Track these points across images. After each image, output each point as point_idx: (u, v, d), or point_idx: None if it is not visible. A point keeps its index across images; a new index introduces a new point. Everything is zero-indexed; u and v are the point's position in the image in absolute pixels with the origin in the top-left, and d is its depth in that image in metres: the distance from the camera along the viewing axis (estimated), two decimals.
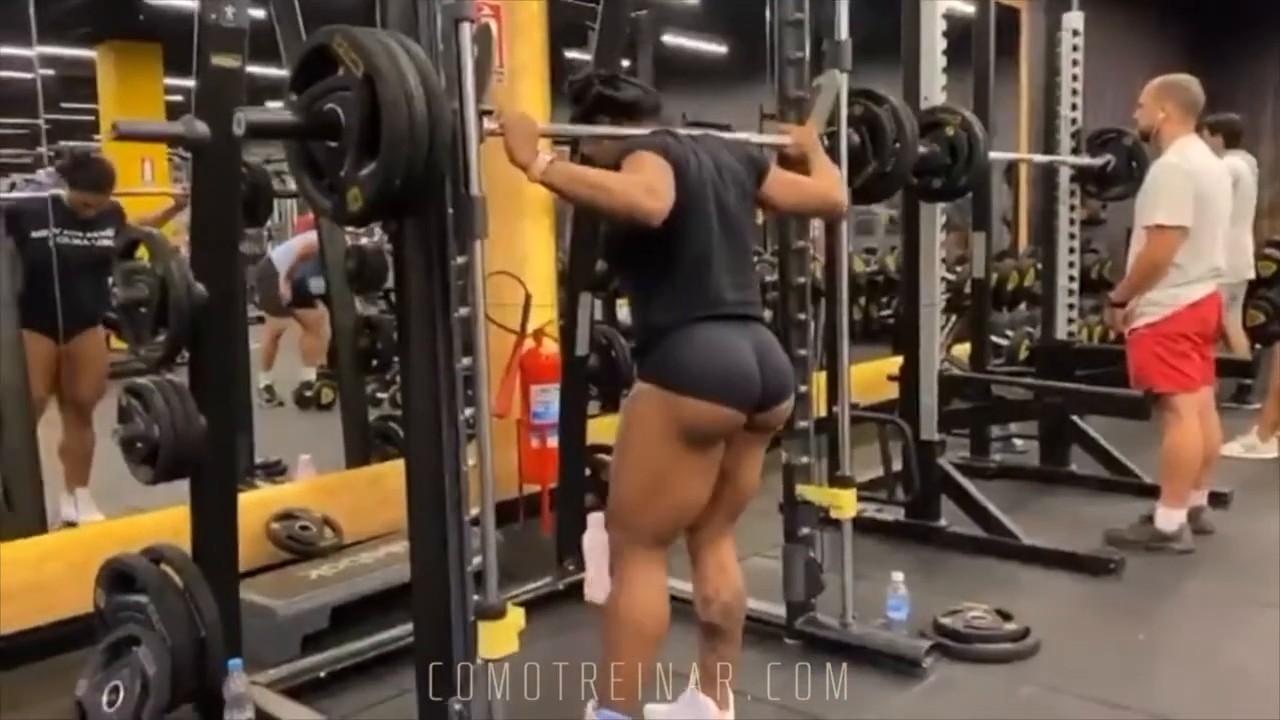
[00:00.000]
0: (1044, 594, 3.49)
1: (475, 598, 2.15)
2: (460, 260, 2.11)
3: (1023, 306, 7.09)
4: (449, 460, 2.15)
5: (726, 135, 2.60)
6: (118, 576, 2.70)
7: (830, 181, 2.70)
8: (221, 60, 2.53)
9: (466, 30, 2.01)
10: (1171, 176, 3.77)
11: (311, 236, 5.83)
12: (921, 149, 3.60)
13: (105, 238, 4.23)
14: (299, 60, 2.04)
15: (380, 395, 5.56)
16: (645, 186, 2.18)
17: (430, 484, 2.15)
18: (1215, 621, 3.32)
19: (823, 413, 3.26)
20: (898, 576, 3.13)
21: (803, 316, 3.07)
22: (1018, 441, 5.46)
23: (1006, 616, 3.13)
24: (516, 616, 2.11)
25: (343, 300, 4.54)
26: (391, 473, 4.22)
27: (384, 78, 1.88)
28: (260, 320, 8.03)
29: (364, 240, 4.93)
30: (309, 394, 7.27)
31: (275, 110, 2.07)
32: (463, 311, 2.12)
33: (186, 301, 2.50)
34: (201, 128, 2.50)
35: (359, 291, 4.62)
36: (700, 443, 2.30)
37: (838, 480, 3.06)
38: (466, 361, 2.14)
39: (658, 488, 2.33)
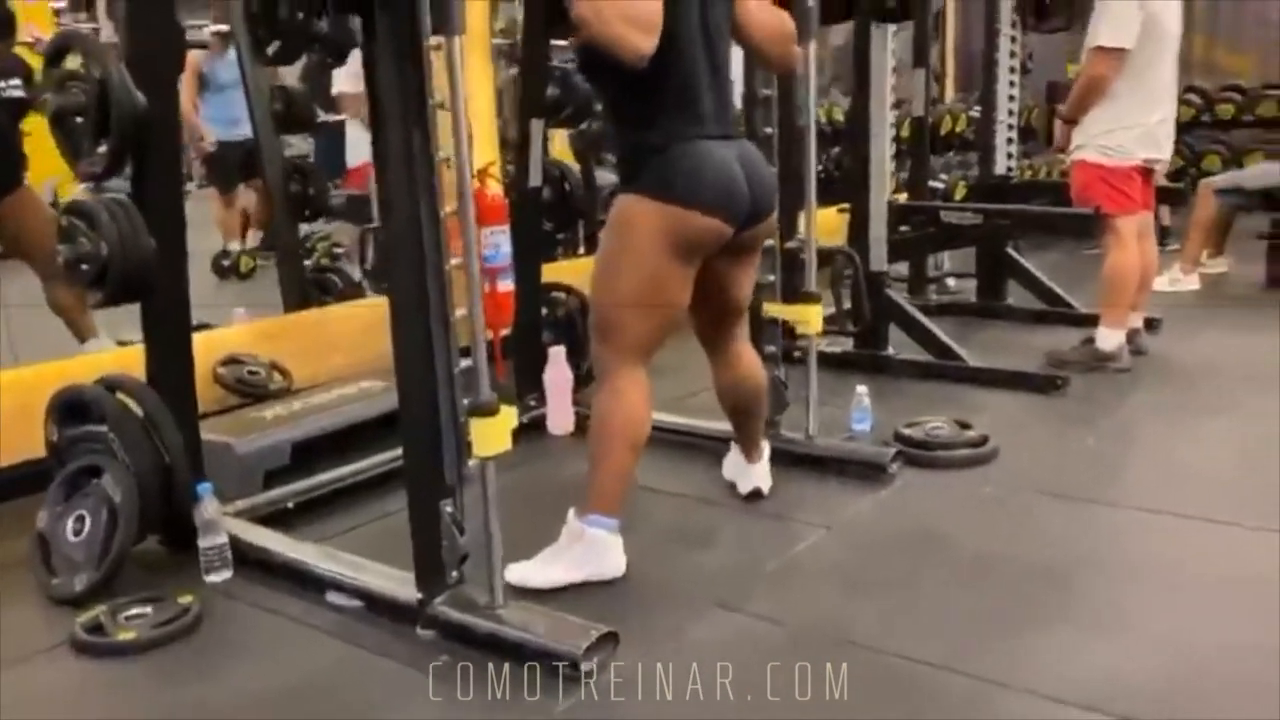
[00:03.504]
0: (995, 410, 3.57)
1: (465, 401, 2.10)
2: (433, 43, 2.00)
3: (951, 154, 7.14)
4: (430, 256, 2.07)
5: None
6: (71, 408, 2.59)
7: (787, 26, 2.61)
8: None
9: None
10: None
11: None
12: None
13: (13, 87, 3.95)
14: None
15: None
16: (636, 18, 2.14)
17: (412, 282, 2.08)
18: (1159, 427, 3.46)
19: None
20: (861, 389, 3.18)
21: (769, 130, 3.03)
22: (950, 281, 5.56)
23: (965, 426, 3.21)
24: (509, 414, 2.07)
25: (270, 143, 4.33)
26: (337, 317, 4.14)
27: None
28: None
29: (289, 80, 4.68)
30: (226, 263, 7.04)
31: None
32: (438, 97, 2.03)
33: (130, 107, 2.34)
34: None
35: (286, 132, 4.40)
36: (688, 252, 2.35)
37: (803, 296, 3.06)
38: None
39: (648, 296, 2.35)
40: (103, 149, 2.39)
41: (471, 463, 2.11)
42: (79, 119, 2.38)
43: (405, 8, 1.99)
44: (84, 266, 2.46)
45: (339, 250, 5.81)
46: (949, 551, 2.55)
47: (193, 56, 5.54)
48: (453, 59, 1.95)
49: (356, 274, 4.94)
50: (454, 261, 2.11)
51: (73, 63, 2.44)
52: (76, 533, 2.45)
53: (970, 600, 2.30)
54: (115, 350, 3.83)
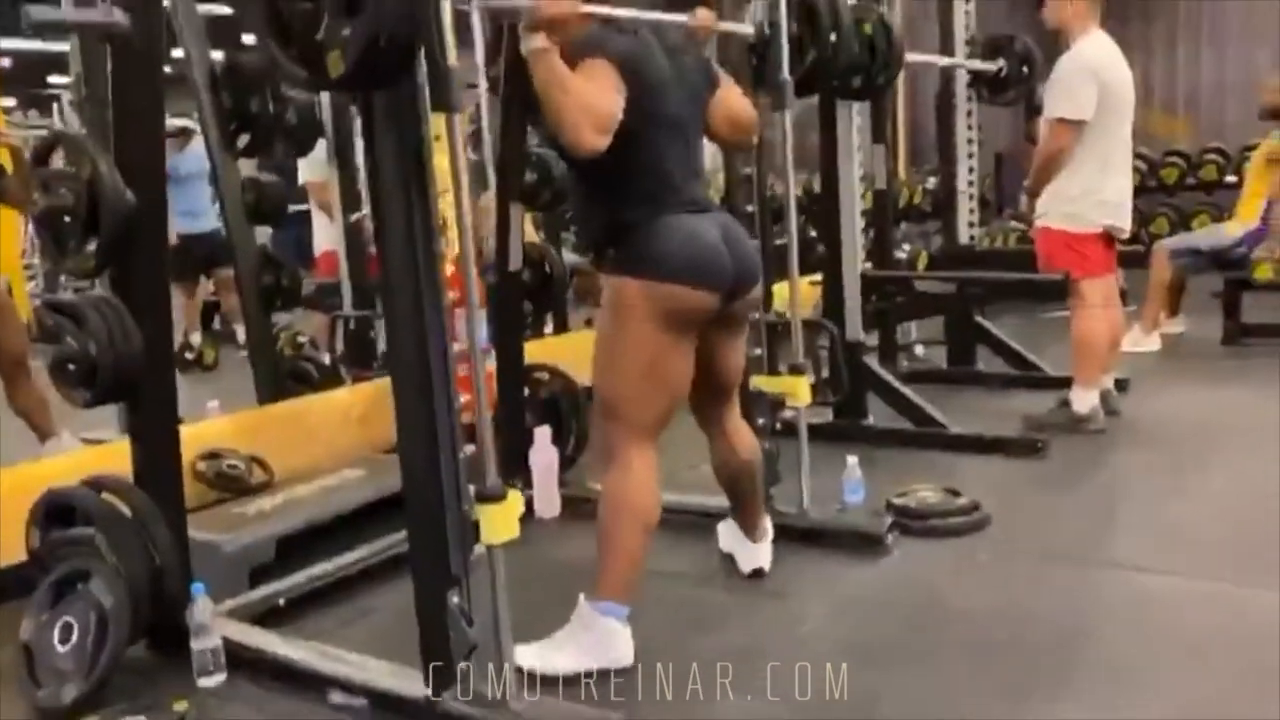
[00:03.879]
0: (980, 476, 3.59)
1: (472, 487, 2.08)
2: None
3: (905, 225, 7.31)
4: (434, 341, 2.06)
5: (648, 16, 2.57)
6: (56, 511, 2.52)
7: (754, 115, 2.71)
8: None
9: None
10: (1077, 71, 3.90)
11: None
12: None
13: None
14: None
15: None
16: (596, 117, 2.19)
17: (416, 368, 2.06)
18: (1142, 486, 3.51)
19: None
20: (852, 460, 3.19)
21: (750, 208, 3.08)
22: (919, 349, 5.62)
23: (955, 493, 3.23)
24: (516, 499, 2.05)
25: (242, 235, 4.30)
26: (315, 408, 4.09)
27: None
28: None
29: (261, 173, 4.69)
30: (189, 356, 6.97)
31: None
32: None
33: (120, 205, 2.32)
34: (120, 16, 2.34)
35: (257, 224, 4.39)
36: (681, 326, 2.37)
37: (790, 369, 3.08)
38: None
39: (650, 374, 2.36)
40: (91, 246, 2.36)
41: (479, 549, 2.08)
42: (67, 218, 2.36)
43: (405, 91, 2.00)
44: (70, 366, 2.42)
45: (302, 340, 5.76)
46: (955, 621, 2.54)
47: None
48: (454, 136, 1.97)
49: (326, 360, 4.92)
50: (457, 347, 2.10)
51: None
52: (64, 641, 2.36)
53: (981, 669, 2.30)
54: (83, 450, 3.77)
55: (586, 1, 2.31)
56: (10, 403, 4.00)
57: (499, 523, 2.02)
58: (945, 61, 4.71)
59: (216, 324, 7.91)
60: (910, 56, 3.95)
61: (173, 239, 6.28)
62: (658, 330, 2.32)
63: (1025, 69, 4.85)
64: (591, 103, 2.18)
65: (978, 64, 4.81)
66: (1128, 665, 2.28)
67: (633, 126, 2.26)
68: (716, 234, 2.40)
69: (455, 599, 2.11)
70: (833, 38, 3.14)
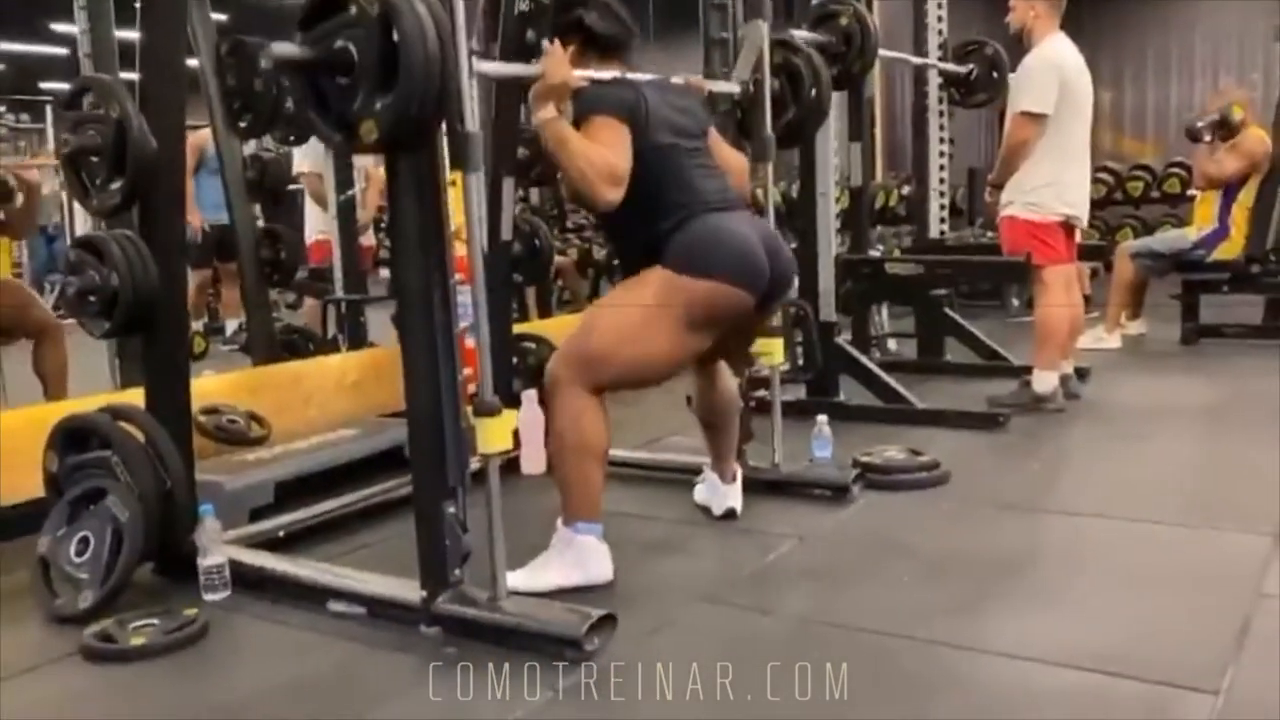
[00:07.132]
0: (943, 444, 3.76)
1: (468, 407, 2.26)
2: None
3: (877, 229, 7.54)
4: (435, 274, 2.23)
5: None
6: (73, 435, 2.68)
7: (744, 163, 2.94)
8: None
9: None
10: (1040, 67, 4.13)
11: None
12: (818, 37, 3.87)
13: None
14: (309, 2, 2.08)
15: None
16: (610, 174, 2.38)
17: (419, 293, 2.23)
18: (1093, 453, 3.73)
19: None
20: (821, 418, 3.39)
21: None
22: (891, 343, 5.82)
23: (918, 453, 3.42)
24: (511, 416, 2.23)
25: (243, 210, 4.49)
26: (312, 371, 4.26)
27: (401, 15, 1.96)
28: None
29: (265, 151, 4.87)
30: None
31: (289, 45, 2.08)
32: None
33: (145, 147, 2.50)
34: None
35: (259, 200, 4.57)
36: (708, 325, 2.54)
37: (769, 331, 3.26)
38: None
39: (653, 358, 2.51)
40: (115, 186, 2.53)
41: (474, 462, 2.25)
42: (94, 158, 2.53)
43: (426, 152, 2.16)
44: (91, 299, 2.59)
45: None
46: (913, 553, 2.73)
47: (198, 136, 5.30)
48: (470, 195, 2.17)
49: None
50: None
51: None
52: (80, 553, 2.51)
53: (936, 588, 2.49)
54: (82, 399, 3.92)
55: (585, 66, 2.52)
56: (35, 362, 4.16)
57: (494, 434, 2.20)
58: (918, 61, 4.94)
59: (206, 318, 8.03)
60: (884, 52, 4.16)
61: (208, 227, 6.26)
62: (684, 325, 2.47)
63: (995, 73, 5.09)
64: (603, 161, 2.38)
65: (949, 65, 5.05)
66: (1062, 586, 2.49)
67: (648, 154, 2.47)
68: (753, 235, 2.57)
69: (451, 509, 2.28)
70: (813, 94, 3.35)
